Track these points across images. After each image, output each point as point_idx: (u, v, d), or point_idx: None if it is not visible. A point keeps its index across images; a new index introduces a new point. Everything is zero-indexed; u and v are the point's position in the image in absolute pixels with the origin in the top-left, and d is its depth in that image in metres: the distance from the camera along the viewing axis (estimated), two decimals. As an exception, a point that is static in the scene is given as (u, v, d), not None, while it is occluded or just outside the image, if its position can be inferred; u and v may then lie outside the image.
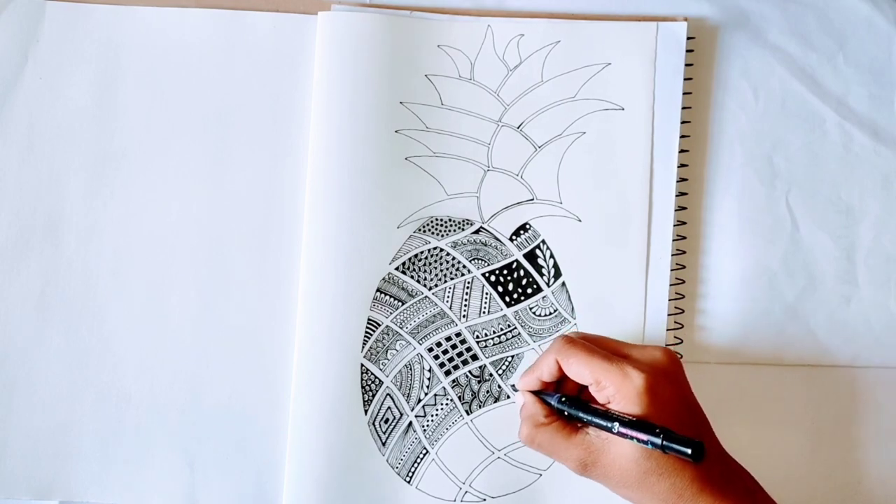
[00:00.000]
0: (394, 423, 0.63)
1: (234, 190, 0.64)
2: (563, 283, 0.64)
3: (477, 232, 0.64)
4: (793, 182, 0.66)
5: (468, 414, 0.63)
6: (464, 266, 0.64)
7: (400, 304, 0.63)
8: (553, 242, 0.64)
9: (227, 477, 0.63)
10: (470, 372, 0.63)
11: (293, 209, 0.64)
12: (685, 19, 0.65)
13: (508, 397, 0.63)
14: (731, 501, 0.51)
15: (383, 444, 0.62)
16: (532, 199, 0.64)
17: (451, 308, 0.64)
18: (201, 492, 0.62)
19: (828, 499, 0.64)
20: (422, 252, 0.64)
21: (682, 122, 0.64)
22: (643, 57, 0.65)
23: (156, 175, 0.64)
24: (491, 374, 0.63)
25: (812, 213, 0.65)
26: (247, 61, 0.64)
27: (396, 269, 0.63)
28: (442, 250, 0.64)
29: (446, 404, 0.63)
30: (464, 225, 0.64)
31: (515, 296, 0.64)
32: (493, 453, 0.63)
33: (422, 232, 0.64)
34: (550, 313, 0.64)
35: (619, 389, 0.51)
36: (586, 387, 0.54)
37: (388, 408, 0.63)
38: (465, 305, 0.64)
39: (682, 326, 0.64)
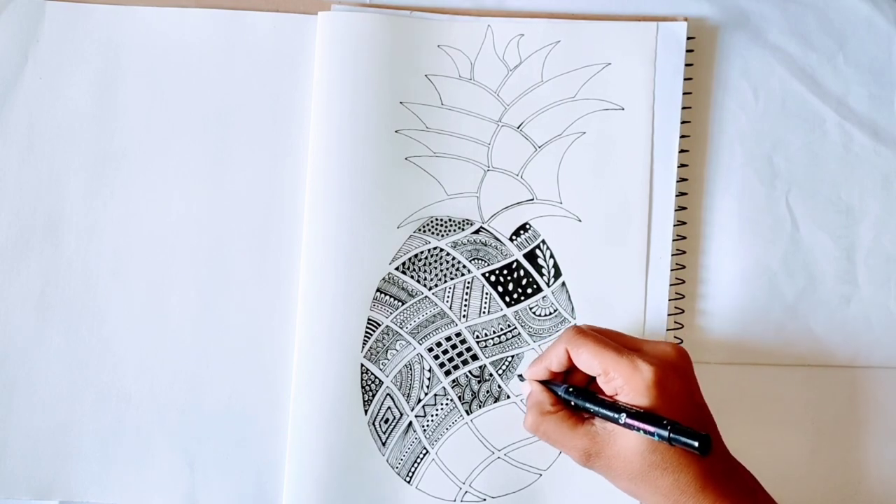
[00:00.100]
0: (394, 423, 0.63)
1: (234, 190, 0.64)
2: (563, 283, 0.64)
3: (477, 232, 0.64)
4: (793, 182, 0.66)
5: (468, 414, 0.63)
6: (464, 266, 0.64)
7: (400, 304, 0.63)
8: (553, 242, 0.64)
9: (227, 477, 0.63)
10: (470, 372, 0.63)
11: (293, 209, 0.64)
12: (685, 19, 0.65)
13: (508, 397, 0.63)
14: (732, 500, 0.51)
15: (383, 444, 0.62)
16: (532, 199, 0.64)
17: (451, 308, 0.64)
18: (201, 492, 0.62)
19: (828, 499, 0.64)
20: (422, 252, 0.64)
21: (682, 122, 0.64)
22: (643, 57, 0.65)
23: (156, 175, 0.64)
24: (491, 374, 0.63)
25: (812, 213, 0.65)
26: (247, 61, 0.64)
27: (396, 269, 0.63)
28: (442, 250, 0.64)
29: (446, 404, 0.63)
30: (464, 225, 0.64)
31: (515, 296, 0.64)
32: (493, 453, 0.63)
33: (422, 232, 0.64)
34: (550, 313, 0.64)
35: (627, 381, 0.51)
36: (594, 380, 0.54)
37: (388, 408, 0.63)
38: (465, 305, 0.64)
39: (682, 326, 0.64)
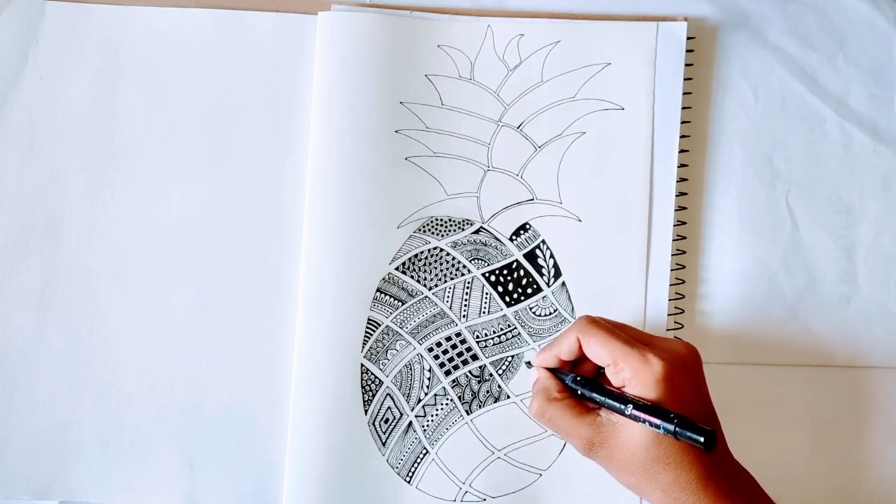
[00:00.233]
0: (394, 423, 0.63)
1: (234, 190, 0.64)
2: (563, 283, 0.64)
3: (477, 232, 0.64)
4: (793, 182, 0.66)
5: (468, 414, 0.63)
6: (464, 266, 0.64)
7: (400, 304, 0.63)
8: (553, 242, 0.64)
9: (227, 477, 0.63)
10: (470, 372, 0.63)
11: (293, 209, 0.64)
12: (685, 19, 0.65)
13: (508, 397, 0.63)
14: (733, 500, 0.50)
15: (383, 444, 0.62)
16: (532, 199, 0.64)
17: (451, 308, 0.64)
18: (201, 492, 0.62)
19: (828, 499, 0.64)
20: (422, 252, 0.64)
21: (682, 122, 0.64)
22: (643, 57, 0.65)
23: (156, 175, 0.64)
24: (491, 374, 0.63)
25: (812, 213, 0.65)
26: (247, 61, 0.64)
27: (396, 269, 0.63)
28: (442, 250, 0.64)
29: (446, 404, 0.63)
30: (464, 225, 0.64)
31: (515, 296, 0.64)
32: (494, 453, 0.63)
33: (422, 232, 0.64)
34: (550, 313, 0.64)
35: (636, 373, 0.51)
36: (601, 374, 0.54)
37: (388, 408, 0.63)
38: (465, 305, 0.64)
39: (682, 326, 0.64)
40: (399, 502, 0.62)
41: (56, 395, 0.63)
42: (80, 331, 0.63)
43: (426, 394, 0.63)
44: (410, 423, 0.63)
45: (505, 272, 0.64)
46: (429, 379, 0.63)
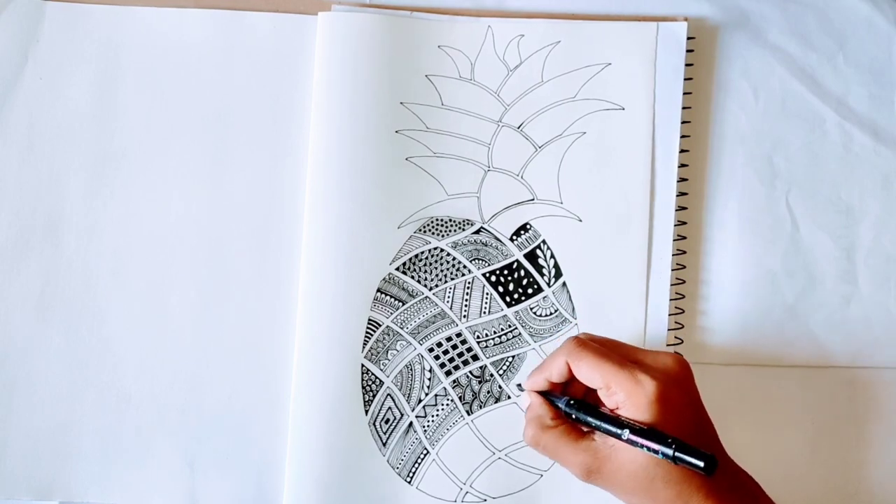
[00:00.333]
0: (394, 424, 0.63)
1: (234, 190, 0.64)
2: (564, 283, 0.64)
3: (477, 232, 0.64)
4: (793, 182, 0.66)
5: (469, 414, 0.63)
6: (464, 266, 0.64)
7: (400, 304, 0.63)
8: (553, 242, 0.64)
9: (227, 477, 0.63)
10: (470, 372, 0.63)
11: (293, 209, 0.64)
12: (685, 19, 0.65)
13: (509, 398, 0.63)
14: None
15: (384, 444, 0.62)
16: (532, 200, 0.64)
17: (451, 308, 0.64)
18: (201, 492, 0.62)
19: (828, 499, 0.64)
20: (422, 252, 0.64)
21: (683, 122, 0.64)
22: (643, 57, 0.65)
23: (156, 175, 0.64)
24: (492, 375, 0.63)
25: (812, 213, 0.65)
26: (247, 61, 0.64)
27: (397, 269, 0.63)
28: (442, 250, 0.64)
29: (447, 405, 0.63)
30: (464, 225, 0.64)
31: (516, 296, 0.64)
32: (494, 454, 0.63)
33: (422, 232, 0.64)
34: (551, 313, 0.64)
35: (629, 396, 0.50)
36: (593, 391, 0.54)
37: (389, 408, 0.63)
38: (466, 306, 0.64)
39: (683, 326, 0.64)
40: (399, 503, 0.62)
41: (56, 395, 0.63)
42: (80, 331, 0.63)
43: (427, 394, 0.63)
44: (411, 424, 0.63)
45: (505, 272, 0.64)
46: (429, 379, 0.63)
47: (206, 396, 0.63)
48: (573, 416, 0.54)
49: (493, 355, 0.63)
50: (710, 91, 0.66)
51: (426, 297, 0.63)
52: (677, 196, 0.64)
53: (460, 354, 0.63)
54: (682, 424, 0.50)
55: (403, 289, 0.63)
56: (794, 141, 0.66)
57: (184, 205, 0.64)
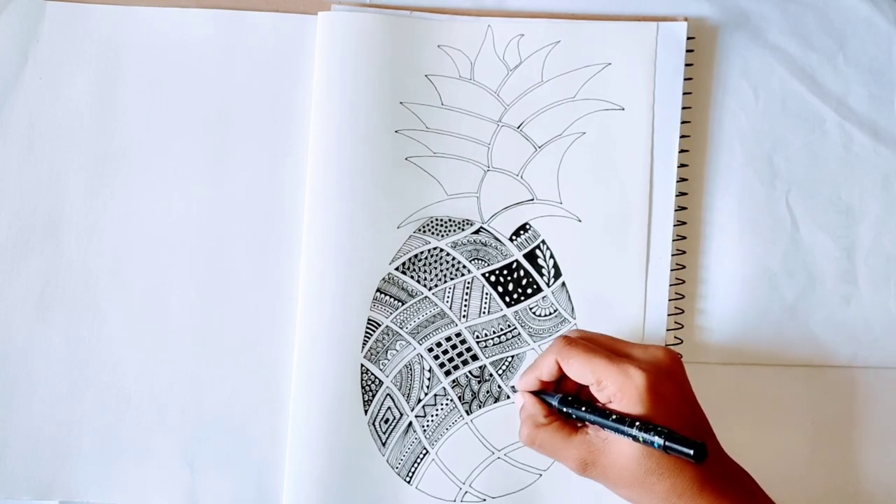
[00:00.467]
0: (394, 424, 0.63)
1: (234, 190, 0.64)
2: (563, 284, 0.64)
3: (477, 232, 0.64)
4: (793, 182, 0.66)
5: (468, 414, 0.63)
6: (464, 266, 0.64)
7: (400, 304, 0.63)
8: (553, 242, 0.64)
9: (227, 477, 0.63)
10: (470, 372, 0.63)
11: (293, 209, 0.64)
12: (685, 19, 0.65)
13: (508, 397, 0.63)
14: (730, 501, 0.51)
15: (383, 444, 0.62)
16: (532, 200, 0.64)
17: (451, 308, 0.64)
18: (201, 492, 0.62)
19: (828, 499, 0.64)
20: (422, 252, 0.64)
21: (682, 122, 0.64)
22: (643, 57, 0.64)
23: (156, 175, 0.64)
24: (491, 375, 0.63)
25: (812, 213, 0.65)
26: (247, 61, 0.64)
27: (396, 269, 0.63)
28: (442, 250, 0.64)
29: (446, 404, 0.63)
30: (464, 225, 0.64)
31: (515, 296, 0.64)
32: (493, 453, 0.63)
33: (422, 232, 0.64)
34: (550, 313, 0.64)
35: (620, 389, 0.51)
36: (586, 386, 0.54)
37: (388, 408, 0.63)
38: (465, 305, 0.64)
39: (682, 326, 0.64)
40: (399, 502, 0.62)
41: (56, 395, 0.63)
42: (80, 331, 0.63)
43: (426, 394, 0.63)
44: (410, 424, 0.63)
45: (505, 272, 0.64)
46: (429, 379, 0.63)
47: (206, 396, 0.63)
48: (565, 411, 0.54)
49: (492, 355, 0.63)
50: (710, 91, 0.66)
51: (426, 296, 0.63)
52: (677, 196, 0.64)
53: (460, 354, 0.63)
54: (673, 415, 0.51)
55: (403, 289, 0.63)
56: (794, 141, 0.66)
57: (184, 205, 0.64)
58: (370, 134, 0.63)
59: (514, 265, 0.64)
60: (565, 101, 0.64)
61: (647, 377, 0.51)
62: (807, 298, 0.65)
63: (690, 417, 0.52)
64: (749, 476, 0.54)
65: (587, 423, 0.53)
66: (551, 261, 0.64)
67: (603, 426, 0.52)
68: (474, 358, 0.63)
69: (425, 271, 0.64)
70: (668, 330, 0.64)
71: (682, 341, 0.64)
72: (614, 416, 0.51)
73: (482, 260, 0.64)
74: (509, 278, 0.64)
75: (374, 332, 0.63)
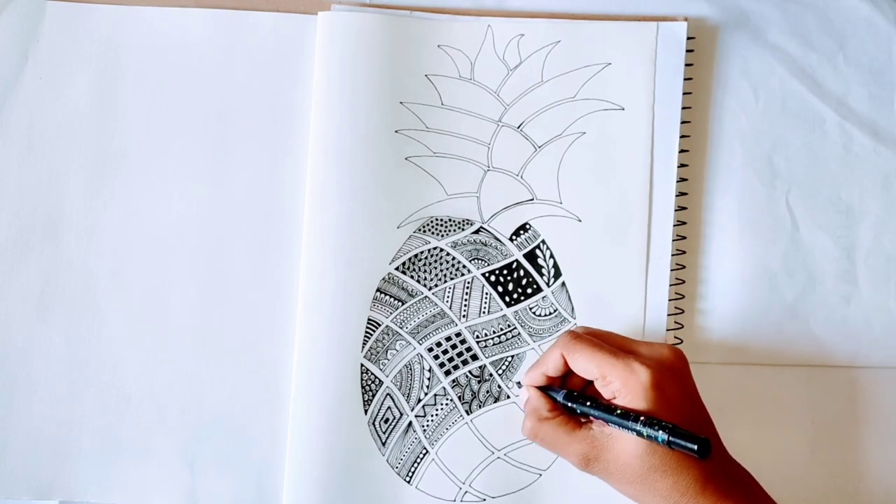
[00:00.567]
0: (394, 423, 0.63)
1: (234, 190, 0.64)
2: (563, 283, 0.64)
3: (477, 232, 0.64)
4: (793, 182, 0.66)
5: (468, 414, 0.63)
6: (464, 266, 0.64)
7: (400, 304, 0.63)
8: (553, 242, 0.64)
9: (227, 477, 0.63)
10: (470, 372, 0.63)
11: (293, 209, 0.64)
12: (685, 19, 0.65)
13: (508, 397, 0.63)
14: (733, 502, 0.51)
15: (383, 444, 0.62)
16: (532, 199, 0.64)
17: (451, 308, 0.64)
18: (201, 492, 0.62)
19: (828, 499, 0.64)
20: (422, 252, 0.64)
21: (682, 122, 0.64)
22: (643, 57, 0.65)
23: (156, 175, 0.64)
24: (491, 374, 0.63)
25: (812, 213, 0.65)
26: (247, 61, 0.64)
27: (396, 269, 0.63)
28: (442, 250, 0.64)
29: (446, 404, 0.63)
30: (464, 225, 0.64)
31: (515, 296, 0.64)
32: (493, 453, 0.63)
33: (422, 232, 0.64)
34: (550, 313, 0.64)
35: (624, 384, 0.51)
36: (591, 383, 0.54)
37: (388, 408, 0.63)
38: (465, 305, 0.64)
39: (682, 326, 0.64)
40: (399, 502, 0.62)
41: (56, 395, 0.63)
42: (80, 331, 0.63)
43: (426, 394, 0.63)
44: (410, 423, 0.63)
45: (505, 272, 0.64)
46: (429, 379, 0.63)
47: (206, 396, 0.63)
48: (570, 405, 0.54)
49: (492, 355, 0.63)
50: (710, 91, 0.66)
51: (426, 296, 0.63)
52: (677, 196, 0.64)
53: (459, 354, 0.63)
54: (677, 412, 0.51)
55: (403, 288, 0.63)
56: (794, 141, 0.66)
57: (184, 205, 0.64)
58: (370, 134, 0.63)
59: (514, 265, 0.64)
60: (565, 101, 0.64)
61: (652, 374, 0.51)
62: (807, 298, 0.65)
63: (694, 416, 0.52)
64: (751, 476, 0.54)
65: (591, 418, 0.53)
66: (551, 261, 0.64)
67: (607, 421, 0.52)
68: (474, 358, 0.63)
69: (425, 271, 0.64)
70: (667, 330, 0.64)
71: (682, 341, 0.64)
72: (618, 411, 0.51)
73: (482, 260, 0.64)
74: (509, 278, 0.64)
75: (374, 331, 0.63)
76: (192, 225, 0.64)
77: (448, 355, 0.63)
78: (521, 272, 0.64)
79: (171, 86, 0.64)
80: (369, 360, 0.63)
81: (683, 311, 0.64)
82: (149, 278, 0.63)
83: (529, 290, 0.64)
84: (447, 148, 0.64)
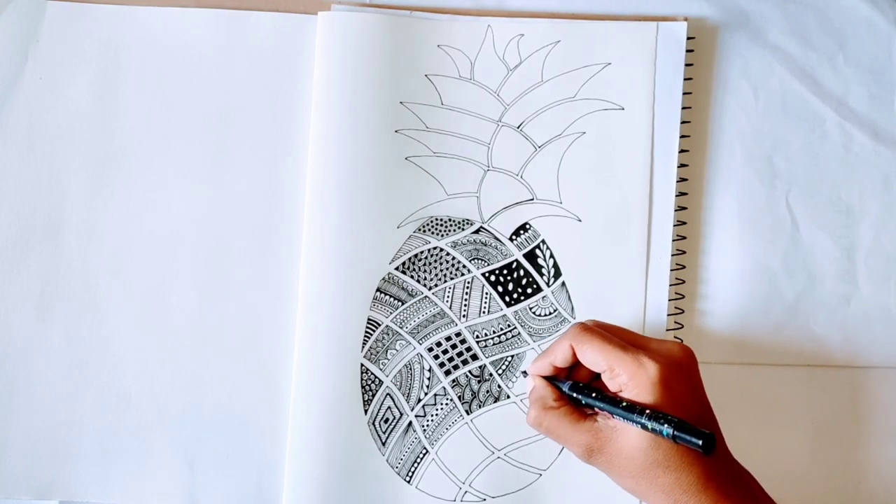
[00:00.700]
0: (394, 423, 0.63)
1: (235, 190, 0.64)
2: (563, 283, 0.64)
3: (477, 232, 0.64)
4: (793, 182, 0.66)
5: (468, 414, 0.63)
6: (464, 266, 0.64)
7: (400, 303, 0.63)
8: (553, 242, 0.64)
9: (227, 477, 0.63)
10: (470, 372, 0.63)
11: (293, 209, 0.64)
12: (685, 19, 0.65)
13: (508, 397, 0.63)
14: (734, 501, 0.50)
15: (383, 443, 0.62)
16: (532, 199, 0.64)
17: (451, 308, 0.64)
18: (201, 492, 0.62)
19: (828, 499, 0.64)
20: (422, 252, 0.64)
21: (682, 122, 0.64)
22: (643, 57, 0.65)
23: (156, 175, 0.64)
24: (491, 374, 0.63)
25: (812, 213, 0.65)
26: (247, 61, 0.64)
27: (396, 268, 0.63)
28: (442, 250, 0.64)
29: (446, 404, 0.63)
30: (464, 225, 0.64)
31: (515, 296, 0.64)
32: (493, 453, 0.63)
33: (422, 232, 0.64)
34: (550, 313, 0.64)
35: (632, 378, 0.51)
36: (597, 377, 0.54)
37: (388, 407, 0.63)
38: (465, 305, 0.64)
39: (682, 326, 0.64)
40: (399, 502, 0.62)
41: (56, 395, 0.63)
42: (80, 331, 0.63)
43: (426, 394, 0.63)
44: (410, 423, 0.63)
45: (505, 272, 0.64)
46: (429, 379, 0.63)
47: (206, 396, 0.63)
48: (576, 397, 0.54)
49: (492, 355, 0.63)
50: (710, 91, 0.66)
51: (425, 296, 0.63)
52: (677, 196, 0.64)
53: (459, 354, 0.63)
54: (682, 408, 0.51)
55: (403, 288, 0.63)
56: (794, 141, 0.66)
57: (184, 205, 0.64)
58: (370, 134, 0.63)
59: (514, 265, 0.64)
60: (565, 101, 0.64)
61: (660, 369, 0.51)
62: (807, 298, 0.65)
63: (699, 413, 0.52)
64: (753, 478, 0.53)
65: (596, 410, 0.53)
66: (551, 260, 0.64)
67: (612, 413, 0.52)
68: (474, 357, 0.63)
69: (425, 271, 0.64)
70: (667, 329, 0.64)
71: (681, 341, 0.64)
72: (624, 404, 0.51)
73: (482, 260, 0.64)
74: (509, 278, 0.64)
75: (374, 331, 0.63)
76: (192, 225, 0.64)
77: (448, 355, 0.63)
78: (521, 272, 0.64)
79: (171, 86, 0.64)
80: (369, 359, 0.63)
81: (683, 311, 0.64)
82: (149, 278, 0.63)
83: (529, 290, 0.64)
84: (447, 148, 0.64)
